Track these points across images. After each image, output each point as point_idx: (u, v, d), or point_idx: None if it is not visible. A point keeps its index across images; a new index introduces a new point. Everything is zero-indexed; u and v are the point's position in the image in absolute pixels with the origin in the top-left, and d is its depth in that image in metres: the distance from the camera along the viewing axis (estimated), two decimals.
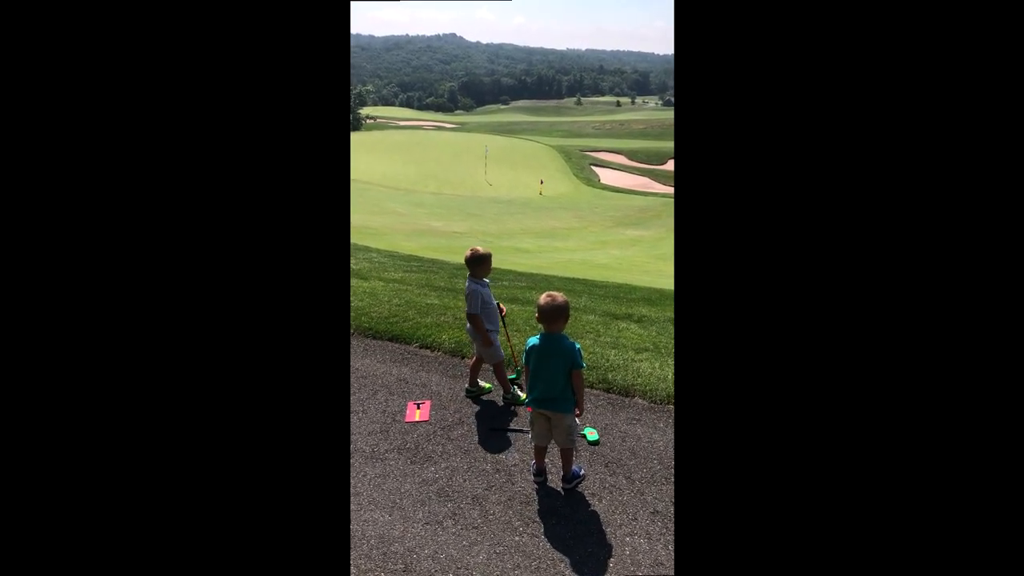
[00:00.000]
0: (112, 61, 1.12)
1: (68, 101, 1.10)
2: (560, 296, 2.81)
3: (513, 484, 3.02)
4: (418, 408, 3.78)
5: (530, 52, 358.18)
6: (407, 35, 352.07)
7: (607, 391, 3.99)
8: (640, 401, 3.86)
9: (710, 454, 1.21)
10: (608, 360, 4.37)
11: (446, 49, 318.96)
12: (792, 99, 1.16)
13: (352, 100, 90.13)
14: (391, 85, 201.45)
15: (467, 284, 3.73)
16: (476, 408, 3.82)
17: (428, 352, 4.71)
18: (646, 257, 17.23)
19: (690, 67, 1.21)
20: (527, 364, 2.92)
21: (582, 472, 3.06)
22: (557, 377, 2.80)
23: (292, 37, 1.17)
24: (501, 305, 3.87)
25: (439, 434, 3.50)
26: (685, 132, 1.24)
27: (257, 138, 1.19)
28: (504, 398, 3.87)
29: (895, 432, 1.10)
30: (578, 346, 2.83)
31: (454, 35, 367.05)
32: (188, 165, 1.16)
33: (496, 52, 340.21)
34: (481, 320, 3.64)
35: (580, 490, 2.97)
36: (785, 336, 1.19)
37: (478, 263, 3.68)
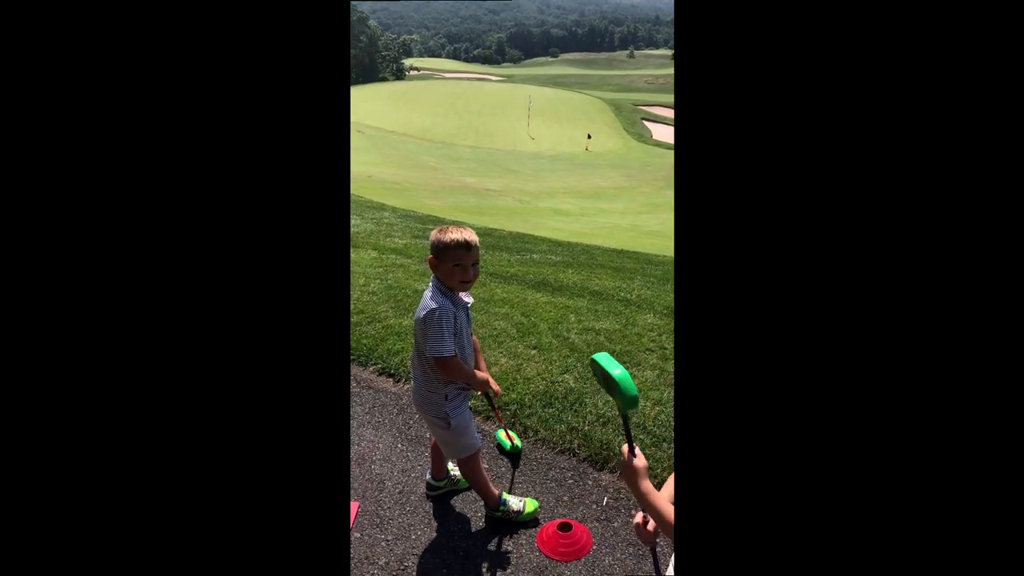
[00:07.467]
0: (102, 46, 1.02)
1: (57, 97, 1.01)
2: None
3: None
4: None
5: (582, 2, 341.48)
6: None
7: None
8: None
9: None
10: None
11: None
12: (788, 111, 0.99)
13: (396, 49, 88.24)
14: (438, 36, 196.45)
15: (427, 295, 1.82)
16: (441, 521, 2.04)
17: (388, 383, 2.94)
18: None
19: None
20: None
21: None
22: None
23: (291, 29, 1.05)
24: (493, 383, 1.98)
25: None
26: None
27: (246, 138, 1.04)
28: (490, 514, 2.06)
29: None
30: None
31: None
32: (173, 163, 1.02)
33: (547, 2, 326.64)
34: (458, 366, 1.81)
35: None
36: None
37: (454, 250, 1.77)
